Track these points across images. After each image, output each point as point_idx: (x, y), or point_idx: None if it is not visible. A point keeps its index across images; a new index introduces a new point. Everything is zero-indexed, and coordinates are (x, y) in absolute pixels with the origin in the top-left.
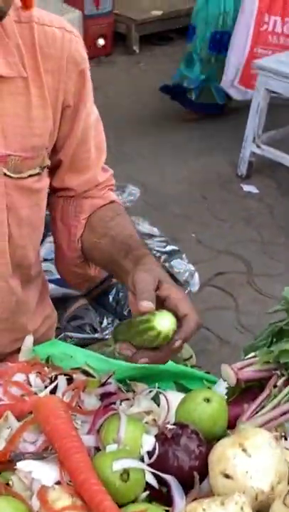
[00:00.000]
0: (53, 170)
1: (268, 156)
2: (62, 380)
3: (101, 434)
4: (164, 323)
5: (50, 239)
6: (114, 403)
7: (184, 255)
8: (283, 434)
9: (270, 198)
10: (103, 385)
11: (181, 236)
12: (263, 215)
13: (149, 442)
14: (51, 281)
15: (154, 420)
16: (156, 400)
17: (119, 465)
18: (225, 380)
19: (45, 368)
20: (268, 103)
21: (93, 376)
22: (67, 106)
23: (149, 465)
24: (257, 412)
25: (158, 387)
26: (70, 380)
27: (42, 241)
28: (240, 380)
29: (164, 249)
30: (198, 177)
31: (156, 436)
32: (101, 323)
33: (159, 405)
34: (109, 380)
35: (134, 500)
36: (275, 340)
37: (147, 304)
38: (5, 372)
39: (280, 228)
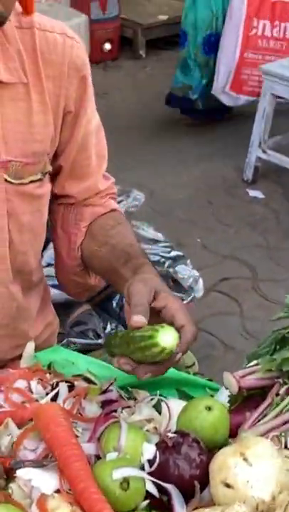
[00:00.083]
0: (54, 176)
1: (273, 161)
2: (63, 387)
3: (101, 442)
4: (167, 339)
5: None
6: (116, 411)
7: (188, 261)
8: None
9: (275, 203)
10: (104, 392)
11: (187, 241)
12: (268, 220)
13: (149, 450)
14: (54, 286)
15: (155, 428)
16: (158, 407)
17: (119, 473)
18: (227, 388)
19: (47, 375)
20: (273, 108)
21: (95, 383)
22: (69, 112)
23: (150, 473)
24: (259, 421)
25: (160, 395)
26: (71, 387)
27: (46, 246)
28: (242, 388)
29: (168, 255)
30: (204, 182)
31: (156, 444)
32: (104, 328)
33: (160, 413)
34: (110, 387)
35: (135, 509)
36: (278, 347)
37: (139, 319)
38: (6, 379)
39: (286, 233)
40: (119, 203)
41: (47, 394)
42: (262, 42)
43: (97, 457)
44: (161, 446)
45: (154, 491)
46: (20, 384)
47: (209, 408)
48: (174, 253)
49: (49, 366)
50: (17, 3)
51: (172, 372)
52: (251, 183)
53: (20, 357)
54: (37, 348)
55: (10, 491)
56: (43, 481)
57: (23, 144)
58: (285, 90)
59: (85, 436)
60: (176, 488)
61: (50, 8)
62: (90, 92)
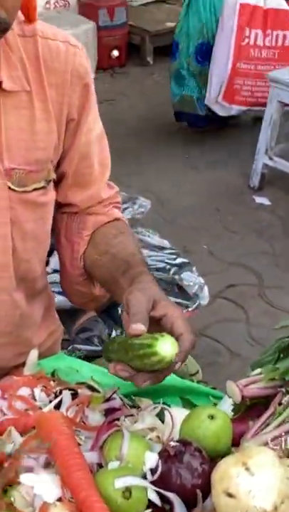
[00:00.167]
0: (57, 184)
1: (280, 168)
2: (66, 395)
3: (104, 450)
4: (166, 348)
5: None
6: (118, 419)
7: (194, 268)
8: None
9: (282, 210)
10: (107, 400)
11: (193, 248)
12: (275, 227)
13: (152, 459)
14: (60, 293)
15: (158, 437)
16: (161, 415)
17: (121, 482)
18: (230, 397)
19: (51, 382)
20: (280, 115)
21: (98, 391)
22: (72, 119)
23: (152, 482)
24: (261, 430)
25: (163, 403)
26: (75, 395)
27: (52, 252)
28: (246, 397)
29: (174, 262)
30: (210, 189)
31: (159, 453)
32: (110, 335)
33: (163, 421)
34: (113, 396)
35: None
36: (281, 356)
37: (138, 327)
38: (10, 386)
39: None
40: (125, 209)
41: (50, 401)
42: (254, 51)
43: (100, 466)
44: (164, 455)
45: (156, 499)
46: (24, 391)
47: (212, 417)
48: (179, 260)
49: (53, 374)
50: (19, 12)
51: (176, 380)
52: (258, 190)
53: (23, 364)
54: (40, 356)
55: (12, 499)
56: (45, 489)
57: (26, 152)
58: None
59: (88, 444)
60: (178, 497)
61: (59, 15)
62: (93, 100)
